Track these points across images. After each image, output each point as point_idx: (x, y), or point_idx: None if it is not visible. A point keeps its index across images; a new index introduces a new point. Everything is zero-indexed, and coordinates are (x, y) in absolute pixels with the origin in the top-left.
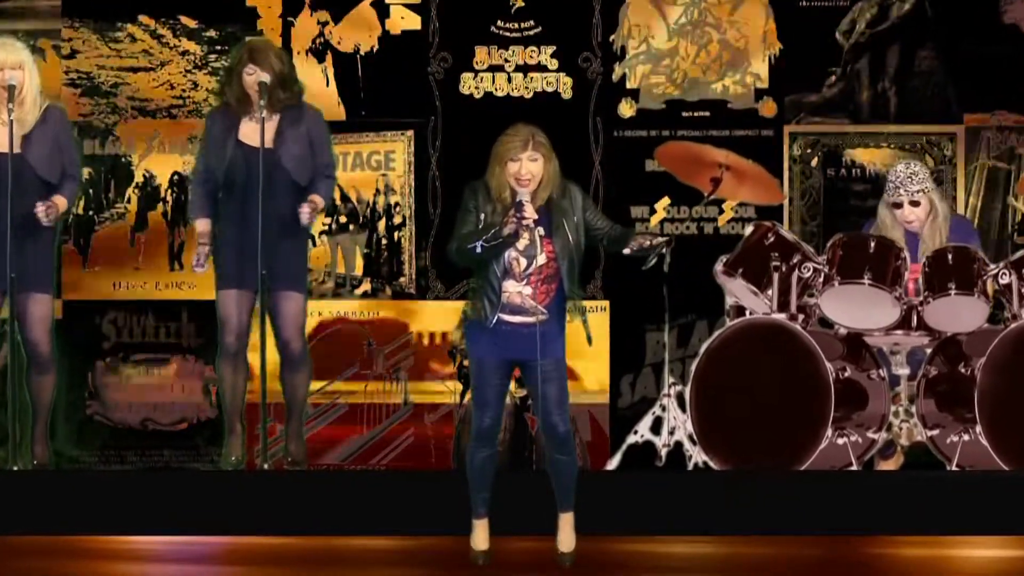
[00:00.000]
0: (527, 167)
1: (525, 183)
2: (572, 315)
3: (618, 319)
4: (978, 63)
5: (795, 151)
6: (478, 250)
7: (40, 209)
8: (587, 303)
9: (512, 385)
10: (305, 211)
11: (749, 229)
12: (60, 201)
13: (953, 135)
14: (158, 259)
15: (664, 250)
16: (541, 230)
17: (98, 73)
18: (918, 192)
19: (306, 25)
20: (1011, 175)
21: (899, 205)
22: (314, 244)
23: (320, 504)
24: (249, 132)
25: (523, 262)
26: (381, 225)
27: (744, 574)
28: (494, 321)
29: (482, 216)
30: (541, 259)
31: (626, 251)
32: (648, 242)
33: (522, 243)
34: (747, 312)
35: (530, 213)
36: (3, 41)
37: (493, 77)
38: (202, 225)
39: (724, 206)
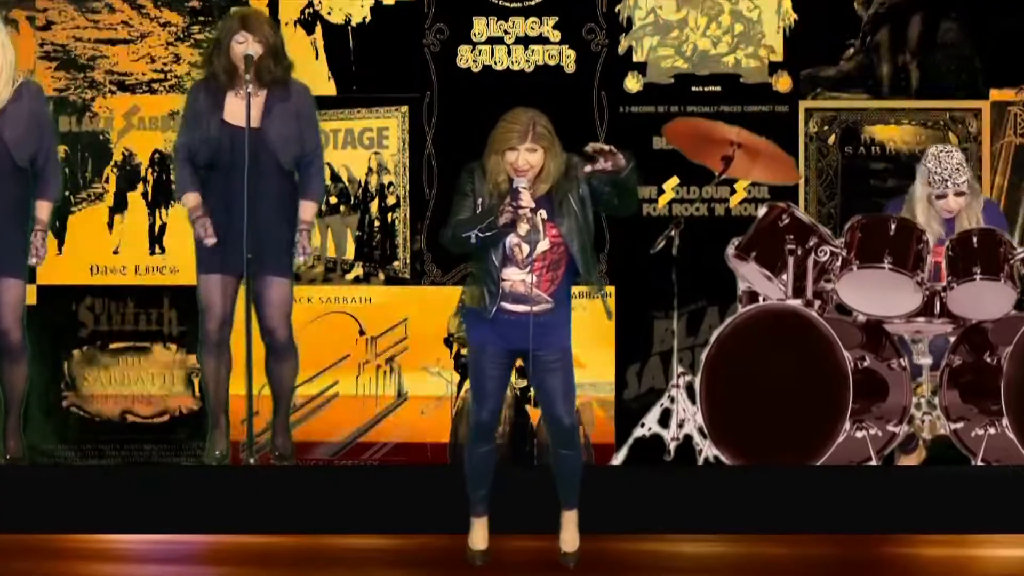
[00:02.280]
0: (525, 158)
1: (523, 174)
2: (594, 293)
3: (624, 305)
4: (1005, 35)
5: (811, 128)
6: (473, 240)
7: (33, 259)
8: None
9: (512, 376)
10: (304, 251)
11: (763, 210)
12: (45, 212)
13: (978, 111)
14: (138, 242)
15: (673, 231)
16: (544, 213)
17: (74, 45)
18: (964, 183)
19: None
20: None
21: (943, 197)
22: None
23: (309, 501)
24: (234, 109)
25: (525, 248)
26: (374, 206)
27: (757, 575)
28: (494, 311)
29: (479, 201)
30: (544, 245)
31: (587, 168)
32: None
33: (523, 228)
34: (760, 298)
35: (527, 201)
36: None
37: (492, 50)
38: (192, 199)
39: (736, 186)
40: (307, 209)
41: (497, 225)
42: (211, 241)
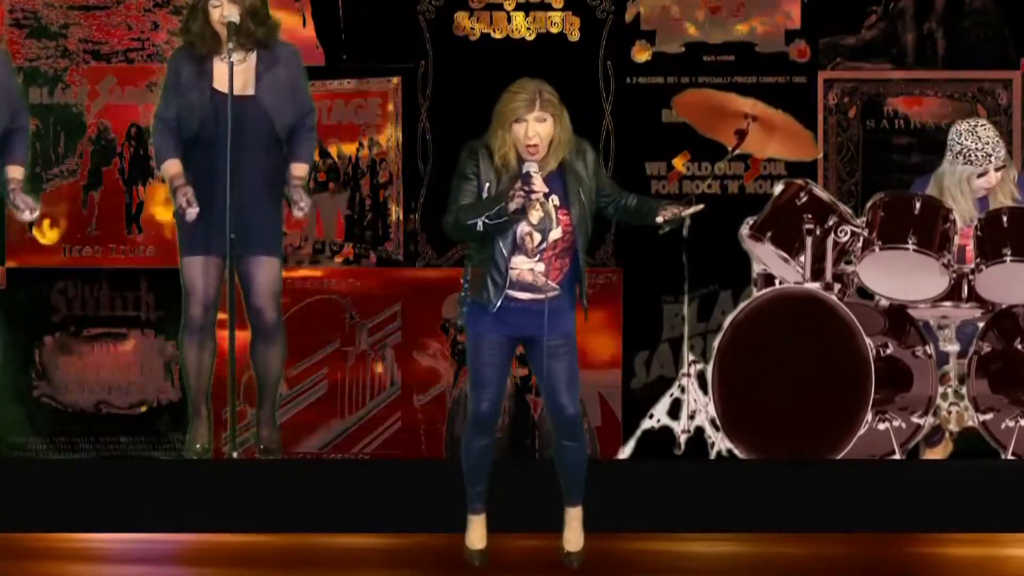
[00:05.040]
0: (534, 129)
1: (533, 149)
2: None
3: (632, 289)
4: None
5: (831, 100)
6: (479, 227)
7: (25, 213)
8: (598, 271)
9: (513, 365)
10: (301, 204)
11: (779, 188)
12: (18, 173)
13: (1008, 82)
14: (114, 221)
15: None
16: (556, 199)
17: (46, 12)
18: (1004, 155)
19: None
20: None
21: (985, 173)
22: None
23: (297, 497)
24: (223, 77)
25: (536, 237)
26: (365, 184)
27: None
28: (498, 304)
29: (486, 184)
30: (556, 233)
31: (659, 219)
32: (681, 209)
33: (535, 216)
34: (777, 281)
35: (539, 186)
36: None
37: (491, 17)
38: (173, 167)
39: (751, 162)
40: (298, 168)
41: (507, 212)
42: (193, 212)
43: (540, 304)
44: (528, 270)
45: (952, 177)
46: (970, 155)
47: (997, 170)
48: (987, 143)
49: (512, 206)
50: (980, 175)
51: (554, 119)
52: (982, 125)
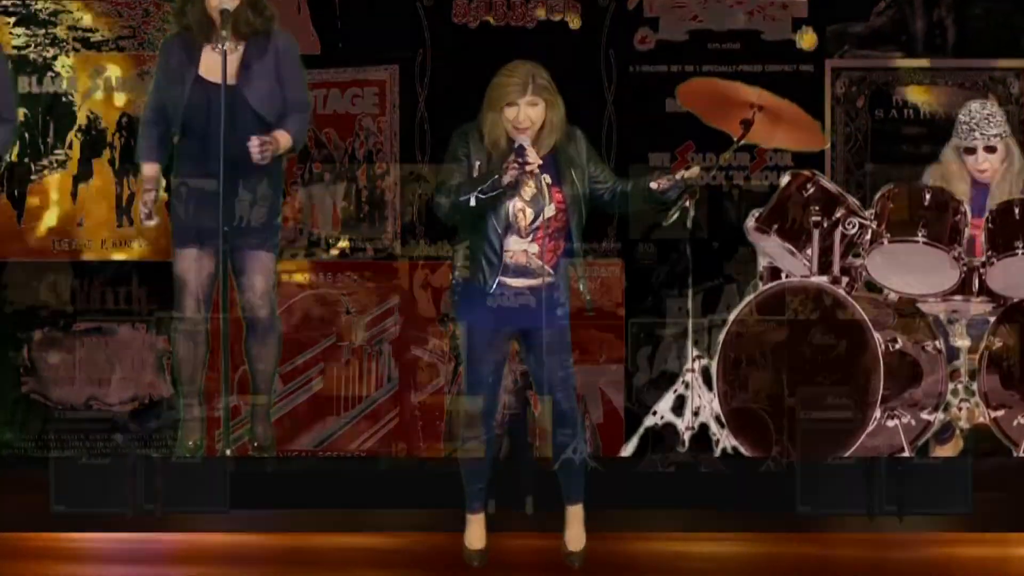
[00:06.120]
0: (525, 113)
1: (523, 131)
2: (578, 279)
3: (634, 282)
4: None
5: (838, 89)
6: (472, 202)
7: None
8: (599, 264)
9: (513, 359)
10: (255, 144)
11: (785, 179)
12: None
13: (1020, 70)
14: (104, 213)
15: (687, 203)
16: (548, 177)
17: None
18: (995, 136)
19: None
20: None
21: (972, 151)
22: (284, 196)
23: (291, 496)
24: (211, 65)
25: (529, 214)
26: (361, 175)
27: None
28: (494, 286)
29: (476, 163)
30: (550, 210)
31: (653, 185)
32: (679, 175)
33: (528, 192)
34: (783, 275)
35: (533, 158)
36: None
37: (491, 4)
38: (148, 170)
39: (757, 152)
40: (281, 134)
41: (501, 184)
42: (149, 223)
43: (535, 291)
44: (522, 251)
45: (948, 153)
46: (958, 126)
47: (988, 151)
48: (973, 117)
49: (506, 178)
50: (968, 151)
51: (547, 104)
52: (980, 103)
